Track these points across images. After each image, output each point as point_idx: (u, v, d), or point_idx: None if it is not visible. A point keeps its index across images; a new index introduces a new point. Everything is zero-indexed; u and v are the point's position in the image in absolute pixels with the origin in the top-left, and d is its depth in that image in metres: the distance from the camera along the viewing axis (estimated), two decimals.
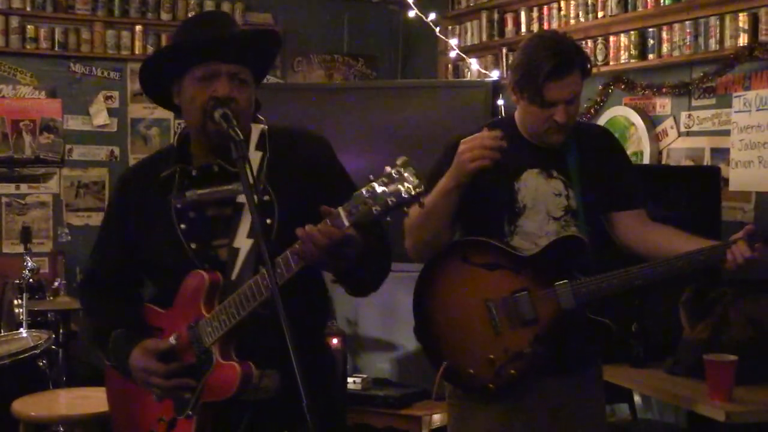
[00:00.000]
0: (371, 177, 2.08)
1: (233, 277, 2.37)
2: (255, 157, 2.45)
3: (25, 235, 5.42)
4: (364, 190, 2.06)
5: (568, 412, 3.02)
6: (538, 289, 2.91)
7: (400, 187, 2.04)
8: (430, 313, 3.05)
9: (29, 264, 5.02)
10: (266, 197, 2.40)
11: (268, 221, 2.39)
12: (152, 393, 2.40)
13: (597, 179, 3.01)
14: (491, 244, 2.96)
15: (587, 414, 3.07)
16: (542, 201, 2.97)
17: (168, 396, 2.38)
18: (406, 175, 2.04)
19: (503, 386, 2.92)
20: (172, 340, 2.36)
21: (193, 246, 2.40)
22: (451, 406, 3.13)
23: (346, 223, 2.11)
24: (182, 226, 2.41)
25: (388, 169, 2.06)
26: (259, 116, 2.51)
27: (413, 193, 2.04)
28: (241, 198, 2.38)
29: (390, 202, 2.05)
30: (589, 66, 2.98)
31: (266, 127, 2.51)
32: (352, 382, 5.06)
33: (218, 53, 2.34)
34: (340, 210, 2.11)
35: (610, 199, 3.05)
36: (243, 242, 2.38)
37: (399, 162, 2.06)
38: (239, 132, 2.24)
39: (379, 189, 2.05)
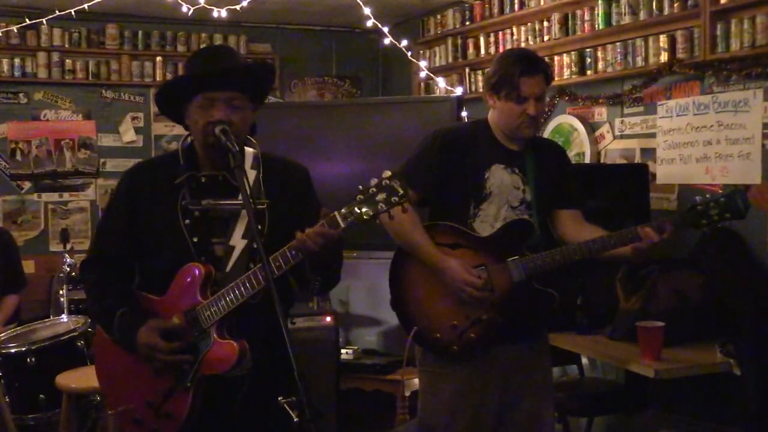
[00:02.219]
0: (360, 187, 2.14)
1: (227, 270, 2.37)
2: (251, 174, 2.45)
3: (64, 236, 5.39)
4: (357, 197, 2.13)
5: (518, 377, 3.02)
6: (494, 264, 2.91)
7: (388, 196, 2.12)
8: (404, 287, 3.06)
9: (68, 260, 4.99)
10: (260, 207, 2.40)
11: (259, 227, 2.38)
12: (150, 368, 2.34)
13: (547, 181, 3.02)
14: (454, 227, 2.97)
15: (535, 378, 3.06)
16: (505, 191, 2.97)
17: (167, 370, 2.34)
18: (393, 185, 2.12)
19: (465, 348, 2.92)
20: (175, 320, 2.33)
21: (195, 240, 2.38)
22: (421, 373, 3.12)
23: (342, 225, 2.17)
24: (186, 221, 2.38)
25: (376, 180, 2.13)
26: (252, 140, 2.49)
27: (399, 201, 2.12)
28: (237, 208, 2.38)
29: (380, 208, 2.12)
30: (550, 72, 3.01)
31: (258, 151, 2.50)
32: (345, 353, 5.05)
33: (214, 84, 2.33)
34: (336, 214, 2.16)
35: (556, 198, 3.05)
36: (238, 242, 2.38)
37: (386, 175, 2.13)
38: (235, 145, 2.25)
39: (371, 197, 2.12)
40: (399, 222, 2.92)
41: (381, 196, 2.11)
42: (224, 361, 2.28)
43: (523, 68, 2.89)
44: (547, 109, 5.25)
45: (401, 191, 2.11)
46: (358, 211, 2.12)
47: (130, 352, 2.38)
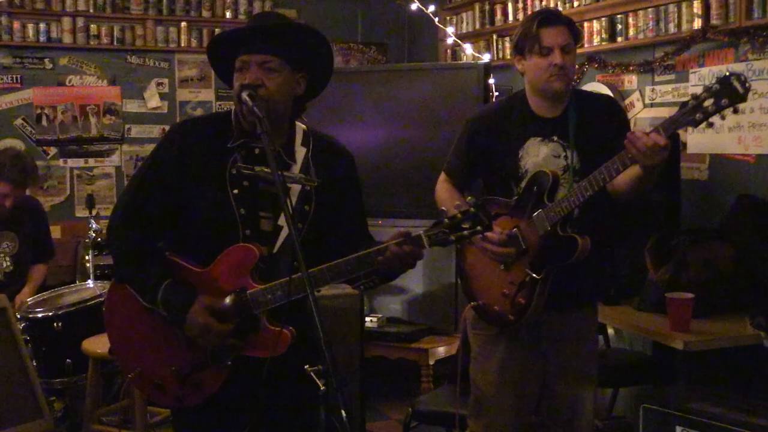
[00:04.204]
0: (445, 209, 2.23)
1: (274, 250, 2.34)
2: (300, 151, 2.41)
3: (90, 202, 5.40)
4: (445, 220, 2.20)
5: (565, 344, 3.05)
6: (523, 223, 2.89)
7: (474, 223, 2.18)
8: (464, 267, 3.13)
9: (93, 226, 5.01)
10: (308, 187, 2.36)
11: (306, 207, 2.36)
12: (184, 339, 2.31)
13: (594, 142, 2.93)
14: (491, 199, 2.99)
15: (581, 346, 3.09)
16: (542, 166, 2.93)
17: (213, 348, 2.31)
18: (480, 215, 2.18)
19: (519, 316, 2.92)
20: (228, 301, 2.28)
21: (242, 211, 2.32)
22: (474, 336, 3.19)
23: (427, 247, 2.21)
24: (235, 191, 2.32)
25: (463, 207, 2.19)
26: (303, 118, 2.46)
27: (483, 230, 2.20)
28: (290, 183, 2.34)
29: (465, 234, 2.19)
30: (574, 25, 2.96)
31: (307, 127, 2.46)
32: (369, 321, 5.05)
33: (246, 46, 2.30)
34: (423, 235, 2.20)
35: (602, 155, 2.91)
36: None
37: (473, 201, 2.21)
38: (261, 109, 2.20)
39: (457, 223, 2.19)
40: (438, 200, 3.11)
41: (467, 224, 2.18)
42: (275, 346, 2.26)
43: (540, 19, 2.88)
44: (575, 77, 5.18)
45: (486, 222, 2.18)
46: (445, 236, 2.19)
47: (173, 325, 2.32)
